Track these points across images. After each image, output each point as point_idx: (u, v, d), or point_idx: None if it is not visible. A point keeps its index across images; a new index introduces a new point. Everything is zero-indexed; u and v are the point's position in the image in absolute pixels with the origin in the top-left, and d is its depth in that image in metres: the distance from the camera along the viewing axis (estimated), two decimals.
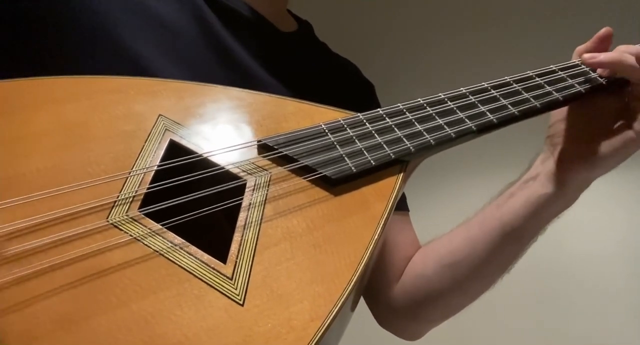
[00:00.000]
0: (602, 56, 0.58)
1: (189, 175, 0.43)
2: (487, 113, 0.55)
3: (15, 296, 0.35)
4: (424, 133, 0.52)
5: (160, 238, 0.40)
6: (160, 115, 0.48)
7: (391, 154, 0.50)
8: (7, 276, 0.35)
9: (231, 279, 0.39)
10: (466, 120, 0.54)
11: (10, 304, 0.34)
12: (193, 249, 0.40)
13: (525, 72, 0.61)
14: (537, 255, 0.73)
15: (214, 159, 0.46)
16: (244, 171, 0.46)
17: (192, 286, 0.38)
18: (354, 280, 0.41)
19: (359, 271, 0.42)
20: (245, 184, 0.45)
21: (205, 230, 0.41)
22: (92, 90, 0.48)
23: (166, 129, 0.47)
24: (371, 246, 0.44)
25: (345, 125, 0.52)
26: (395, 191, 0.48)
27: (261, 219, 0.43)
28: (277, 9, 0.71)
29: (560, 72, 0.61)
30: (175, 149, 0.46)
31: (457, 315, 0.72)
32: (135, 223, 0.40)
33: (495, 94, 0.57)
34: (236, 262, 0.40)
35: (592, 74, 0.61)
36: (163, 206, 0.41)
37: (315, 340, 0.37)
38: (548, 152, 0.64)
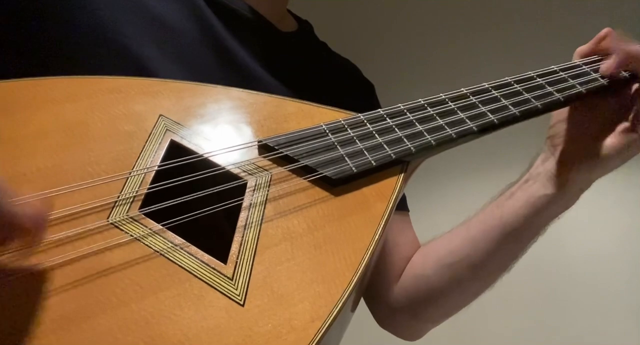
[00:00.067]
0: (615, 60, 0.58)
1: (189, 175, 0.43)
2: (488, 113, 0.55)
3: (16, 296, 0.35)
4: (425, 133, 0.52)
5: (161, 238, 0.40)
6: (161, 115, 0.48)
7: (392, 155, 0.50)
8: (8, 276, 0.35)
9: (231, 279, 0.39)
10: (467, 120, 0.54)
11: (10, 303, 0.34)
12: (193, 249, 0.40)
13: (526, 72, 0.60)
14: (537, 255, 0.73)
15: (215, 159, 0.46)
16: (244, 171, 0.46)
17: (193, 286, 0.38)
18: (355, 280, 0.41)
19: (360, 271, 0.42)
20: (245, 184, 0.45)
21: (206, 231, 0.41)
22: (92, 90, 0.48)
23: (167, 129, 0.47)
24: (372, 246, 0.44)
25: (345, 126, 0.52)
26: (396, 191, 0.48)
27: (262, 219, 0.43)
28: (277, 9, 0.71)
29: (561, 73, 0.61)
30: (175, 149, 0.46)
31: (457, 315, 0.72)
32: (136, 223, 0.40)
33: (496, 94, 0.57)
34: (237, 262, 0.40)
35: (593, 75, 0.60)
36: (163, 206, 0.41)
37: (316, 341, 0.37)
38: (549, 152, 0.64)
